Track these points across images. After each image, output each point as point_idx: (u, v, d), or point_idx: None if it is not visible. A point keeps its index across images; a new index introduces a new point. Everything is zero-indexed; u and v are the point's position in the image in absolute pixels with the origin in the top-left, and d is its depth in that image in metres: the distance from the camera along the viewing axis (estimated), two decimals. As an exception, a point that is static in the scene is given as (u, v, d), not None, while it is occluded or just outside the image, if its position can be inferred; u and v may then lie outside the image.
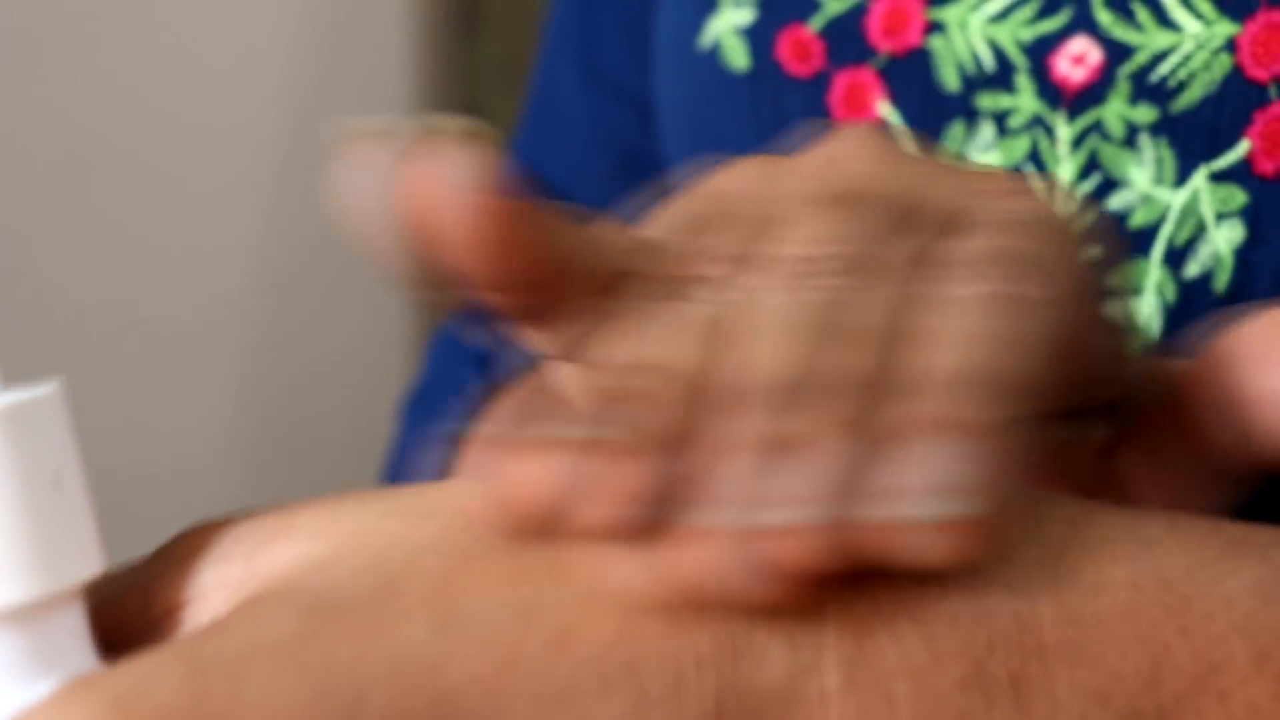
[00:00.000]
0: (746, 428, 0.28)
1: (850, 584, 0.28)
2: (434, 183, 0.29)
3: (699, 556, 0.27)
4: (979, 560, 0.28)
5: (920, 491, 0.28)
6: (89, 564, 0.29)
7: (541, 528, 0.28)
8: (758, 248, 0.32)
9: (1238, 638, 0.29)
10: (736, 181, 0.35)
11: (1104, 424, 0.37)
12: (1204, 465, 0.35)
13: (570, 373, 0.30)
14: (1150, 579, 0.30)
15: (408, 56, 1.28)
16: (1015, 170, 0.39)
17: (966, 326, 0.30)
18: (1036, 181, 0.36)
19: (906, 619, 0.29)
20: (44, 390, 0.29)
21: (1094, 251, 0.34)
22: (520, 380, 0.34)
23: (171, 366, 1.42)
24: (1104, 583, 0.29)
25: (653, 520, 0.28)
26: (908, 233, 0.32)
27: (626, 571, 0.28)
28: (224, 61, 1.30)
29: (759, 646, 0.28)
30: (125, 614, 0.30)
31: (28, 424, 0.28)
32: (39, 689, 0.28)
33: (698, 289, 0.31)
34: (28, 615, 0.28)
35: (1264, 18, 0.43)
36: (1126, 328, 0.37)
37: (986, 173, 0.35)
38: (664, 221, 0.34)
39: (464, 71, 1.26)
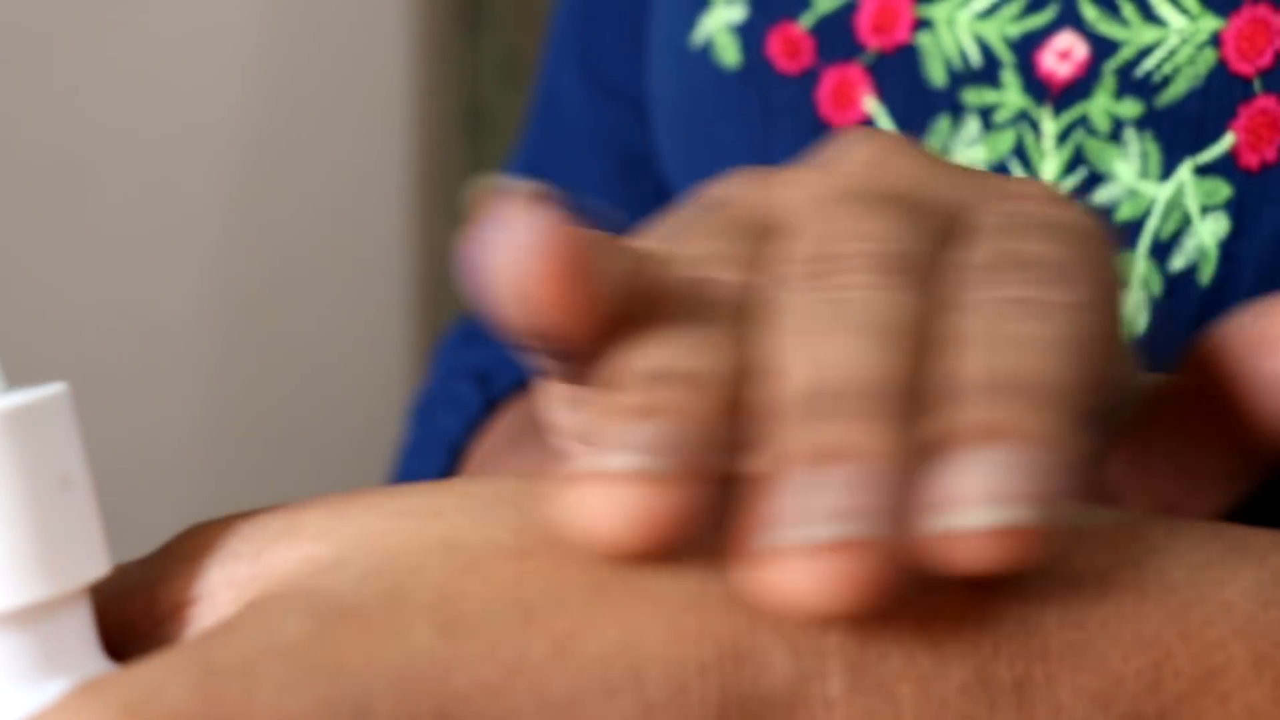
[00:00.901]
0: (791, 438, 0.28)
1: None
2: (504, 247, 0.29)
3: (770, 577, 0.27)
4: (1033, 567, 0.28)
5: (975, 500, 0.28)
6: (96, 564, 0.29)
7: (617, 556, 0.28)
8: (774, 250, 0.32)
9: (1237, 642, 0.30)
10: (743, 190, 0.34)
11: (1097, 430, 0.37)
12: (1195, 471, 0.35)
13: (603, 388, 0.30)
14: (1154, 584, 0.30)
15: (409, 55, 1.29)
16: (1001, 167, 0.39)
17: (996, 330, 0.30)
18: (1053, 185, 0.35)
19: (912, 624, 0.29)
20: (51, 391, 0.29)
21: (1115, 255, 0.34)
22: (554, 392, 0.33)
23: (166, 367, 1.42)
24: (1108, 587, 0.30)
25: (711, 538, 0.28)
26: (924, 233, 0.32)
27: (693, 588, 0.28)
28: (224, 61, 1.31)
29: (761, 652, 0.28)
30: (131, 612, 0.30)
31: (35, 426, 0.28)
32: (46, 690, 0.29)
33: (719, 296, 0.31)
34: (34, 616, 0.28)
35: (1248, 12, 0.43)
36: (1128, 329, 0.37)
37: (1001, 176, 0.35)
38: (675, 231, 0.34)
39: (465, 69, 1.27)
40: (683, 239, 0.33)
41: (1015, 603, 0.29)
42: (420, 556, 0.28)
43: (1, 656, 0.28)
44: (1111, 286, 0.33)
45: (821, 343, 0.29)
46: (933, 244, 0.32)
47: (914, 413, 0.29)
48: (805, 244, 0.31)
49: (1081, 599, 0.29)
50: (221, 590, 0.29)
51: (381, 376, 1.29)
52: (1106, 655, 0.29)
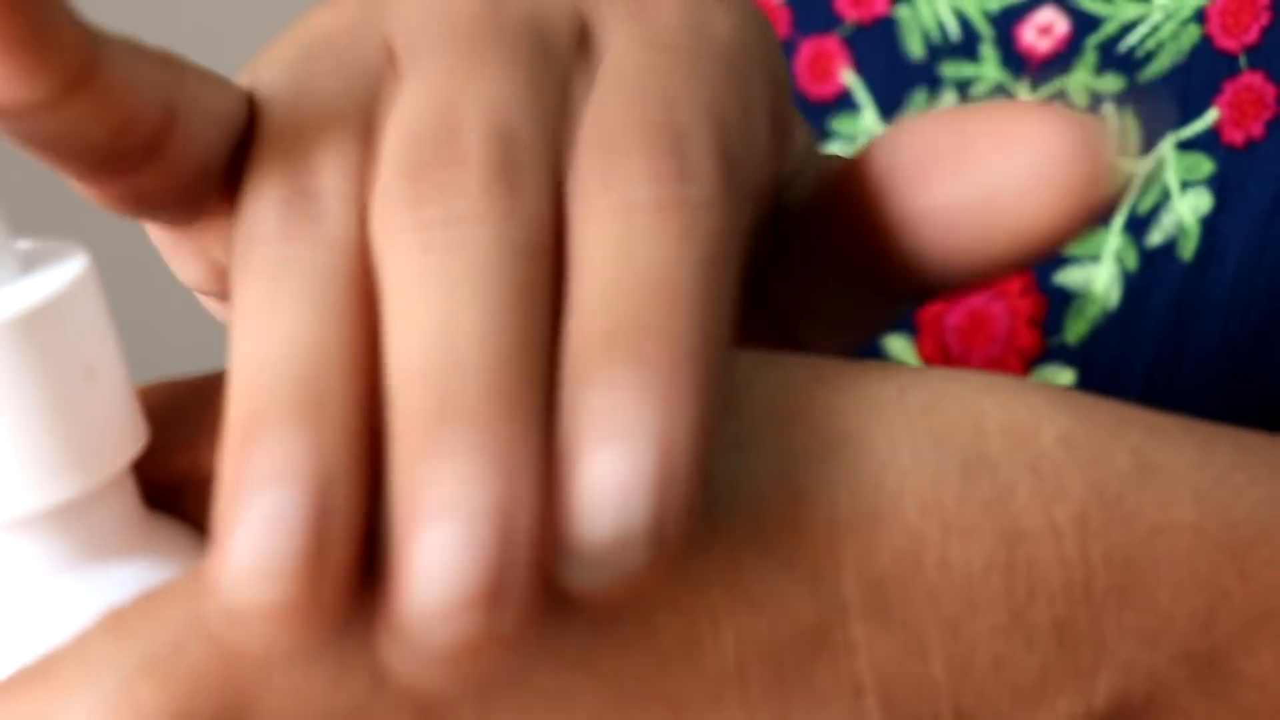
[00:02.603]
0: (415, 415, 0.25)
1: (866, 536, 0.27)
2: None
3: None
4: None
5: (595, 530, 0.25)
6: (129, 444, 0.28)
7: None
8: (373, 124, 0.28)
9: None
10: (340, 14, 0.31)
11: (756, 238, 0.34)
12: (861, 285, 0.32)
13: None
14: (1215, 522, 0.29)
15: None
16: None
17: (617, 262, 0.27)
18: None
19: (934, 568, 0.28)
20: (70, 275, 0.27)
21: (761, 34, 0.31)
22: None
23: (164, 365, 1.40)
24: (1164, 526, 0.28)
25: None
26: (546, 85, 0.29)
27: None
28: (223, 63, 1.30)
29: (775, 597, 0.27)
30: (176, 468, 0.29)
31: (54, 322, 0.27)
32: (88, 579, 0.28)
33: (320, 200, 0.27)
34: (72, 509, 0.28)
35: None
36: (788, 126, 0.33)
37: None
38: (271, 68, 0.30)
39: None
40: (279, 73, 0.29)
41: (1053, 545, 0.28)
42: None
43: (45, 550, 0.28)
44: (770, 84, 0.30)
45: (432, 311, 0.26)
46: (556, 96, 0.28)
47: (546, 376, 0.26)
48: (409, 133, 0.27)
49: (1134, 539, 0.28)
50: None
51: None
52: (1156, 595, 0.28)
